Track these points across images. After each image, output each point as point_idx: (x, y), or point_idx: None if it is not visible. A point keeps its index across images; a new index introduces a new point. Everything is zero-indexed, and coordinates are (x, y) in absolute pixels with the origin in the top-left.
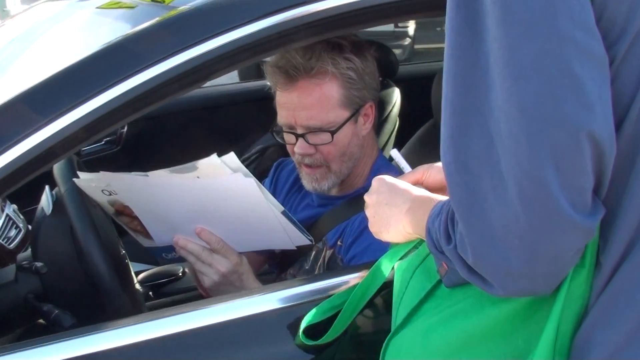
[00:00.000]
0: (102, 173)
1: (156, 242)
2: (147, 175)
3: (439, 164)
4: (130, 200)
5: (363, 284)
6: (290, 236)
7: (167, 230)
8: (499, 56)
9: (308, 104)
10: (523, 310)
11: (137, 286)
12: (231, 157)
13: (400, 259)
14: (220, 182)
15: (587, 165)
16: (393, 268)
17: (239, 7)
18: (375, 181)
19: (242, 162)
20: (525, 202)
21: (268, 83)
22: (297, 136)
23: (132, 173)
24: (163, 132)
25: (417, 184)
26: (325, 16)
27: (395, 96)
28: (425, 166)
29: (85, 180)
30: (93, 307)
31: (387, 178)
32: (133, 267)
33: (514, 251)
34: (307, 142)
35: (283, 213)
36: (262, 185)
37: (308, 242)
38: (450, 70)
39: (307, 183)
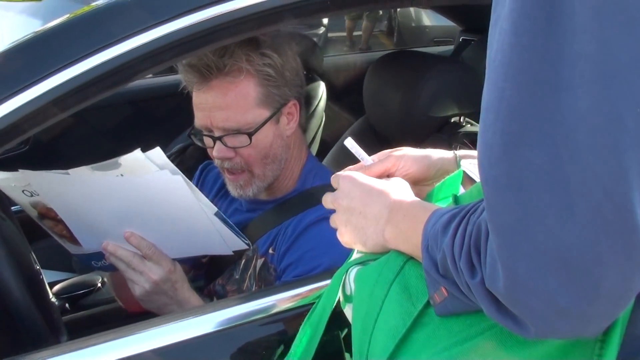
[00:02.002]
0: (20, 171)
1: (84, 248)
2: (68, 173)
3: (413, 152)
4: (53, 201)
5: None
6: (226, 240)
7: (95, 235)
8: (588, 52)
9: (223, 105)
10: (557, 353)
11: (53, 300)
12: (157, 153)
13: (358, 263)
14: (146, 180)
15: None
16: (346, 272)
17: (160, 2)
18: (344, 182)
19: None
20: (600, 229)
21: (181, 83)
22: (215, 139)
23: (52, 171)
24: (79, 127)
25: (386, 176)
26: (254, 12)
27: (321, 90)
28: (395, 154)
29: (3, 179)
30: (3, 328)
31: (358, 177)
32: (49, 275)
33: (572, 286)
34: (225, 145)
35: (216, 214)
36: (191, 184)
37: (245, 246)
38: (511, 61)
39: (232, 190)
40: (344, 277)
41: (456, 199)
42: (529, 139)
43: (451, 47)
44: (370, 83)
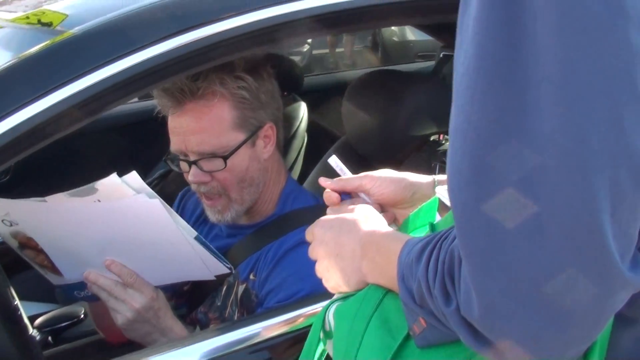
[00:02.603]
0: None
1: (66, 278)
2: (46, 201)
3: (390, 173)
4: (33, 230)
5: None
6: (207, 264)
7: (77, 265)
8: (551, 72)
9: (198, 128)
10: None
11: (34, 334)
12: (133, 177)
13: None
14: (123, 204)
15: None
16: (327, 310)
17: (131, 30)
18: (316, 230)
19: None
20: (571, 253)
21: (156, 108)
22: (190, 163)
23: (31, 199)
24: (58, 155)
25: (361, 190)
26: (228, 37)
27: (302, 111)
28: (370, 175)
29: None
30: None
31: (328, 220)
32: (31, 308)
33: (547, 312)
34: (201, 169)
35: (196, 238)
36: (170, 208)
37: (227, 270)
38: (475, 84)
39: (211, 215)
40: (324, 314)
41: (432, 227)
42: (497, 162)
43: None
44: (349, 103)
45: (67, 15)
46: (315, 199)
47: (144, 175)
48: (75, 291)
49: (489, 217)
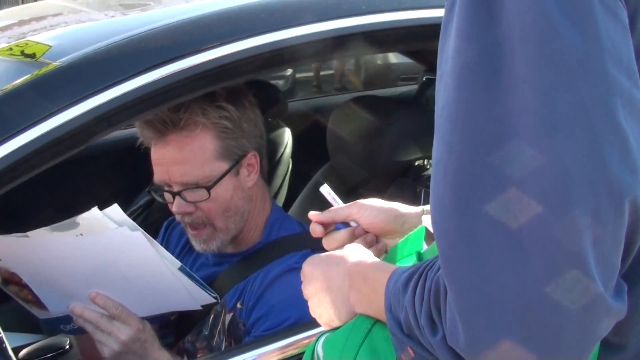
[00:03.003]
0: None
1: (51, 312)
2: (28, 236)
3: (380, 203)
4: (16, 265)
5: None
6: (193, 295)
7: (62, 298)
8: (530, 104)
9: (180, 159)
10: None
11: None
12: (115, 210)
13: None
14: (106, 238)
15: (622, 237)
16: (317, 341)
17: (115, 62)
18: (306, 269)
19: (128, 216)
20: (553, 282)
21: (139, 139)
22: (174, 194)
23: (12, 235)
24: (38, 187)
25: (350, 219)
26: (211, 67)
27: (286, 137)
28: (359, 203)
29: None
30: None
31: (316, 259)
32: (16, 339)
33: (532, 341)
34: (185, 200)
35: (181, 269)
36: (152, 239)
37: (213, 300)
38: (457, 116)
39: (196, 245)
40: (314, 346)
41: (419, 256)
42: (478, 192)
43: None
44: (333, 129)
45: (50, 46)
46: (301, 225)
47: (127, 204)
48: (62, 324)
49: (472, 247)
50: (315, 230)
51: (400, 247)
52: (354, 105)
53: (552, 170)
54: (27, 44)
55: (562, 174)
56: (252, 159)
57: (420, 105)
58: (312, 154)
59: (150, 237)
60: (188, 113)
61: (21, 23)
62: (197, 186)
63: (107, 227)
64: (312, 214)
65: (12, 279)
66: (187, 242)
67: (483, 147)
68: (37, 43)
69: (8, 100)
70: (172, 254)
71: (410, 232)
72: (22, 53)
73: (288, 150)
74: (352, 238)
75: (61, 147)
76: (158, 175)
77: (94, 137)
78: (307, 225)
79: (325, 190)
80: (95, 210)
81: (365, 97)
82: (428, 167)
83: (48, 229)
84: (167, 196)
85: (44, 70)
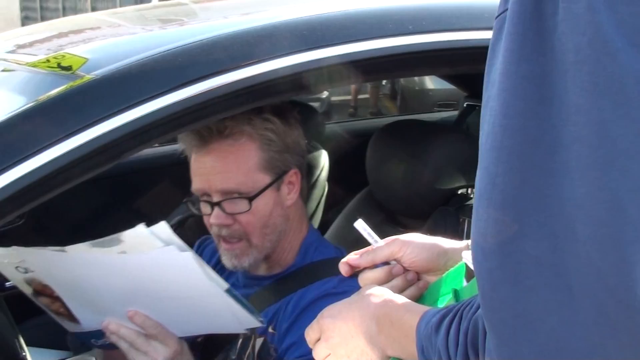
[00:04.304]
0: (14, 248)
1: (83, 326)
2: (65, 251)
3: (421, 239)
4: (50, 278)
5: None
6: (239, 318)
7: (96, 313)
8: (583, 135)
9: (223, 167)
10: None
11: None
12: (162, 228)
13: None
14: (151, 257)
15: None
16: None
17: (149, 76)
18: (325, 320)
19: None
20: (606, 330)
21: (180, 147)
22: (213, 205)
23: (49, 248)
24: (73, 200)
25: (391, 259)
26: (249, 84)
27: (323, 160)
28: (402, 239)
29: None
30: None
31: (333, 309)
32: (42, 355)
33: None
34: (224, 211)
35: (227, 291)
36: (201, 260)
37: (258, 324)
38: (501, 144)
39: (227, 260)
40: None
41: (456, 294)
42: (524, 229)
43: (455, 112)
44: (372, 155)
45: (87, 59)
46: (339, 250)
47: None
48: (92, 339)
49: (516, 288)
50: (345, 270)
51: (439, 285)
52: (395, 128)
53: (604, 207)
54: (64, 56)
55: (616, 211)
56: (294, 176)
57: (463, 132)
58: (349, 178)
59: (199, 257)
60: (234, 122)
61: (60, 35)
62: (238, 195)
63: (152, 246)
64: (352, 259)
65: (44, 291)
66: (218, 261)
67: (530, 180)
68: (74, 56)
69: (42, 112)
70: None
71: (450, 269)
72: (59, 65)
73: (324, 173)
74: (390, 277)
75: (91, 163)
76: (198, 184)
77: (128, 152)
78: (344, 250)
79: (360, 225)
80: (141, 227)
81: (407, 121)
82: (471, 196)
83: (88, 245)
84: (205, 207)
85: (77, 82)
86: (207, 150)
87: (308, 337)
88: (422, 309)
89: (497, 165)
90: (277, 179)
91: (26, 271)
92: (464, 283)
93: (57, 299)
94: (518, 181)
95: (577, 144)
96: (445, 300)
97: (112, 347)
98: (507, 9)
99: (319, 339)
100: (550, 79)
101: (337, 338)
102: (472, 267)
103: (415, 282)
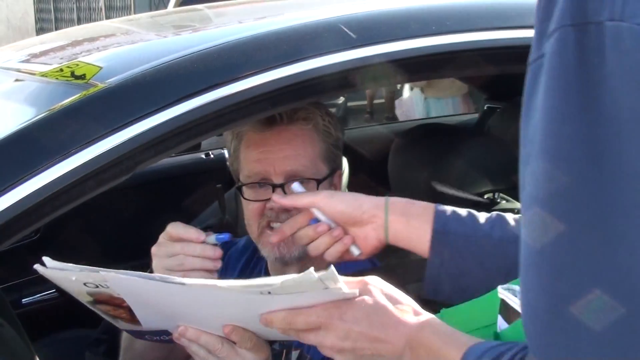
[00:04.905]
0: (101, 272)
1: (144, 327)
2: (184, 284)
3: (338, 193)
4: (131, 297)
5: None
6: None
7: (165, 319)
8: None
9: (290, 151)
10: None
11: None
12: (332, 275)
13: None
14: (303, 296)
15: None
16: None
17: (164, 84)
18: (341, 316)
19: None
20: None
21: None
22: (275, 187)
23: (156, 276)
24: (88, 212)
25: (313, 206)
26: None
27: (344, 166)
28: (323, 192)
29: (63, 272)
30: None
31: (350, 320)
32: None
33: None
34: (285, 194)
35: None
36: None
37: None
38: (549, 210)
39: (269, 251)
40: None
41: (497, 336)
42: (579, 303)
43: (475, 115)
44: (395, 160)
45: (101, 68)
46: (371, 262)
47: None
48: (147, 335)
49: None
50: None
51: (466, 311)
52: (418, 132)
53: None
54: (77, 65)
55: None
56: (337, 178)
57: (484, 134)
58: (369, 183)
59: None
60: (304, 107)
61: (73, 44)
62: (304, 176)
63: (313, 289)
64: (276, 196)
65: (110, 301)
66: (247, 264)
67: (585, 249)
68: (88, 64)
69: (52, 123)
70: (232, 274)
71: (476, 299)
72: (72, 74)
73: (345, 179)
74: (316, 234)
75: (105, 176)
76: (257, 167)
77: (141, 165)
78: (377, 261)
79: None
80: (310, 272)
81: (430, 124)
82: (499, 200)
83: (241, 285)
84: (263, 192)
85: (91, 91)
86: (272, 132)
87: (304, 319)
88: (461, 340)
89: (544, 235)
90: (332, 173)
91: (97, 286)
92: (500, 319)
93: (122, 306)
94: (571, 251)
95: (636, 209)
96: (481, 334)
97: (169, 342)
98: (543, 55)
99: (319, 328)
100: (601, 138)
101: (352, 345)
102: (511, 303)
103: (341, 238)
